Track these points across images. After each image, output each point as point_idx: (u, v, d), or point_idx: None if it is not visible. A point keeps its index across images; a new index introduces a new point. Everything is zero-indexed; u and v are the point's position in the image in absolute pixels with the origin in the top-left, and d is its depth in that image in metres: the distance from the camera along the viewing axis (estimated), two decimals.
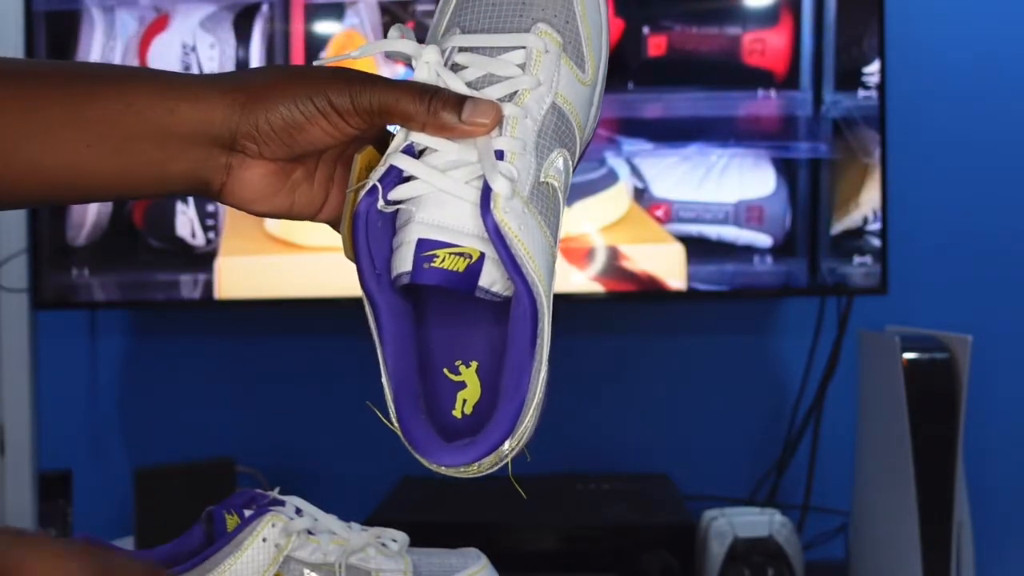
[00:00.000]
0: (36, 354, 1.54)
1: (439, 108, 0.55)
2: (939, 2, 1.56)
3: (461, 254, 0.54)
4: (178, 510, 0.89)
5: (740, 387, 1.59)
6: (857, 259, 1.41)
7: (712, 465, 1.56)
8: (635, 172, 1.42)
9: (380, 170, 0.56)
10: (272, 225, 1.45)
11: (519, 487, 0.57)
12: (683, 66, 1.42)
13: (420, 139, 0.56)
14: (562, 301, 1.56)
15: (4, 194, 0.58)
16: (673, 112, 1.42)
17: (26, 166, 0.57)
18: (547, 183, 0.57)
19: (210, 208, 1.46)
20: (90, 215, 1.47)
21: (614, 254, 1.42)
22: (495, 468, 0.56)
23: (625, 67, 1.42)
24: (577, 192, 1.42)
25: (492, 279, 0.55)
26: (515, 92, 0.56)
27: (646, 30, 1.42)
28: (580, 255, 1.41)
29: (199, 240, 1.46)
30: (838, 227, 1.41)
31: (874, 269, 1.41)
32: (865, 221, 1.41)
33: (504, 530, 1.29)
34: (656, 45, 1.42)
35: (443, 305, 0.59)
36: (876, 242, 1.41)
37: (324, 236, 1.55)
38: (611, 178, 1.42)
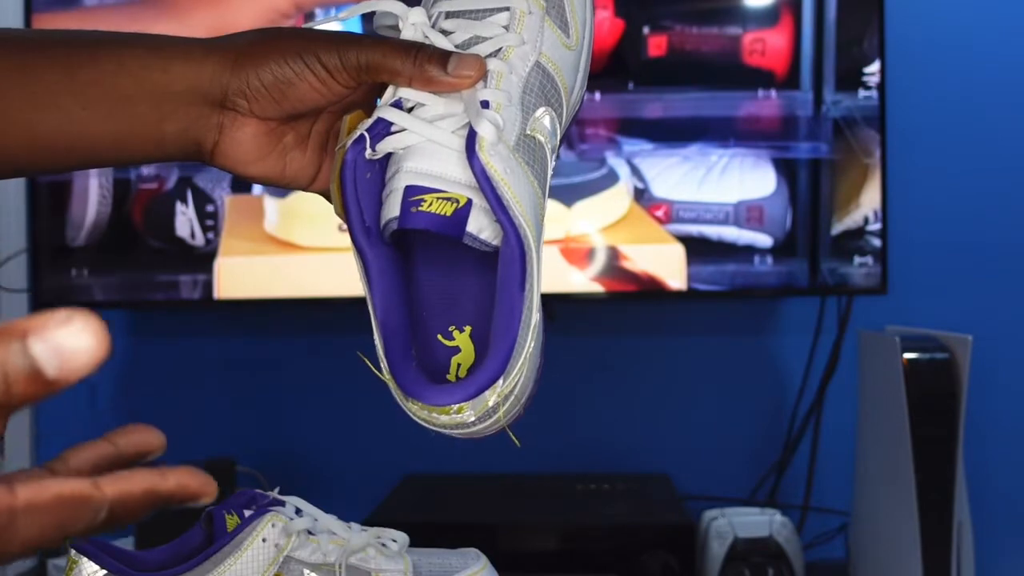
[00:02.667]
0: None
1: (425, 62, 0.56)
2: (939, 2, 1.56)
3: (448, 199, 0.55)
4: (178, 510, 0.89)
5: (740, 387, 1.59)
6: (857, 259, 1.41)
7: (712, 465, 1.56)
8: (635, 172, 1.42)
9: (368, 122, 0.57)
10: (271, 225, 1.45)
11: (514, 436, 0.57)
12: (683, 66, 1.42)
13: (408, 94, 0.57)
14: (562, 301, 1.55)
15: (2, 162, 0.59)
16: (673, 112, 1.42)
17: (22, 132, 0.58)
18: (533, 137, 0.58)
19: (209, 208, 1.46)
20: (89, 215, 1.47)
21: (614, 254, 1.42)
22: (486, 425, 0.55)
23: (625, 67, 1.42)
24: (577, 192, 1.42)
25: (480, 225, 0.56)
26: (500, 49, 0.58)
27: (646, 30, 1.42)
28: (580, 255, 1.41)
29: (199, 240, 1.46)
30: (838, 227, 1.41)
31: (874, 269, 1.41)
32: (865, 221, 1.41)
33: (504, 530, 1.29)
34: (656, 45, 1.42)
35: (436, 267, 0.60)
36: (876, 242, 1.41)
37: (324, 236, 1.54)
38: (611, 178, 1.42)
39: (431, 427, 0.56)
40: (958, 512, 1.13)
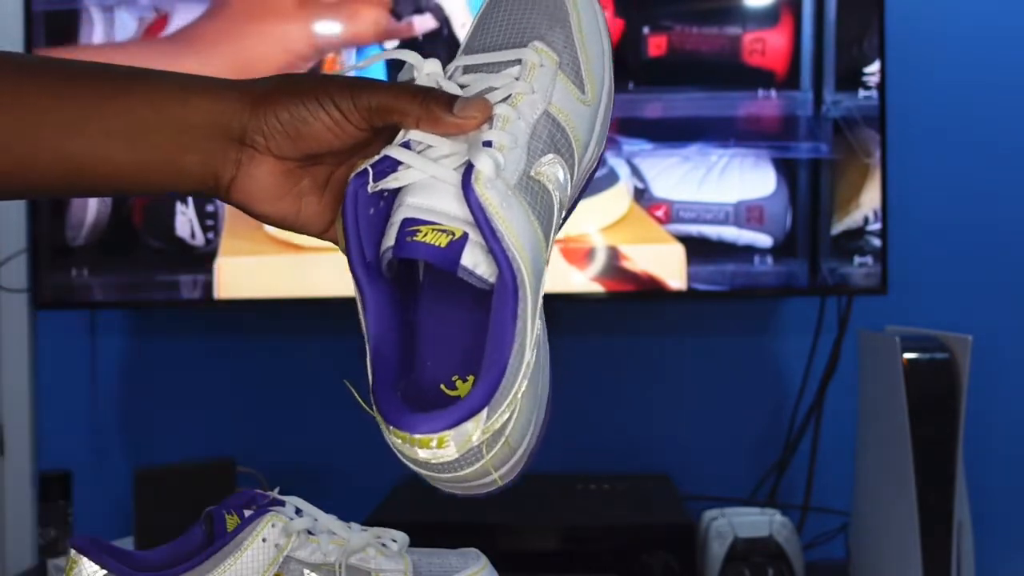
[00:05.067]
0: (36, 354, 1.54)
1: (432, 104, 0.58)
2: (939, 2, 1.56)
3: (443, 231, 0.55)
4: (178, 510, 0.89)
5: (740, 387, 1.59)
6: (857, 259, 1.41)
7: (712, 465, 1.56)
8: (635, 172, 1.42)
9: (375, 159, 0.58)
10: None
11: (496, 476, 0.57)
12: (683, 66, 1.42)
13: (417, 136, 0.58)
14: (562, 301, 1.55)
15: (26, 182, 0.62)
16: (673, 112, 1.42)
17: (53, 155, 0.61)
18: (538, 180, 0.58)
19: (209, 208, 1.46)
20: (89, 215, 1.47)
21: (614, 254, 1.42)
22: (472, 470, 0.55)
23: (625, 67, 1.42)
24: None
25: (476, 260, 0.56)
26: (509, 95, 0.59)
27: (646, 30, 1.42)
28: (580, 255, 1.41)
29: (198, 240, 1.46)
30: (838, 227, 1.41)
31: (874, 269, 1.41)
32: (865, 221, 1.41)
33: (504, 530, 1.29)
34: (656, 45, 1.42)
35: (440, 312, 0.60)
36: (876, 242, 1.41)
37: None
38: (611, 178, 1.42)
39: (414, 467, 0.55)
40: (958, 512, 1.13)
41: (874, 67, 1.40)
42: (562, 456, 1.52)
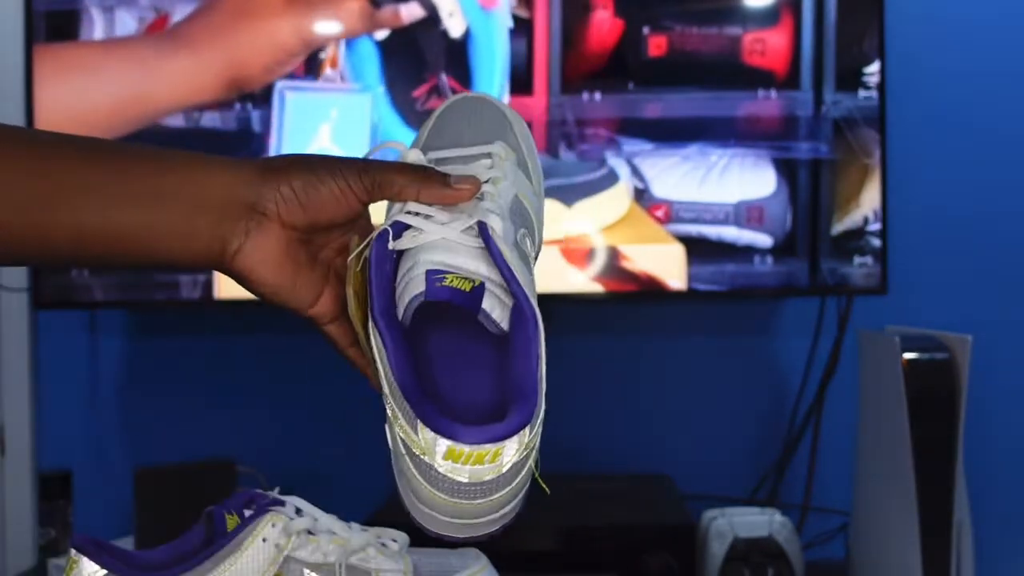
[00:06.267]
0: (36, 354, 1.55)
1: (430, 178, 0.66)
2: (939, 2, 1.56)
3: (465, 278, 0.62)
4: (178, 510, 0.89)
5: (740, 387, 1.59)
6: (857, 259, 1.41)
7: (712, 465, 1.56)
8: (635, 172, 1.42)
9: (386, 223, 0.65)
10: None
11: (543, 483, 0.65)
12: (683, 66, 1.42)
13: (415, 208, 0.65)
14: (562, 301, 1.55)
15: (41, 246, 0.64)
16: (673, 112, 1.42)
17: (65, 220, 0.64)
18: (521, 248, 0.66)
19: None
20: None
21: (614, 254, 1.42)
22: (507, 489, 0.63)
23: (625, 67, 1.42)
24: (577, 192, 1.42)
25: (492, 305, 0.63)
26: (489, 179, 0.68)
27: (646, 30, 1.42)
28: (580, 255, 1.41)
29: None
30: (838, 227, 1.41)
31: (874, 269, 1.41)
32: (865, 221, 1.41)
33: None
34: (656, 45, 1.42)
35: (448, 356, 0.65)
36: (876, 242, 1.41)
37: None
38: (611, 178, 1.42)
39: (444, 497, 0.60)
40: (958, 512, 1.13)
41: (874, 67, 1.40)
42: (562, 456, 1.52)
